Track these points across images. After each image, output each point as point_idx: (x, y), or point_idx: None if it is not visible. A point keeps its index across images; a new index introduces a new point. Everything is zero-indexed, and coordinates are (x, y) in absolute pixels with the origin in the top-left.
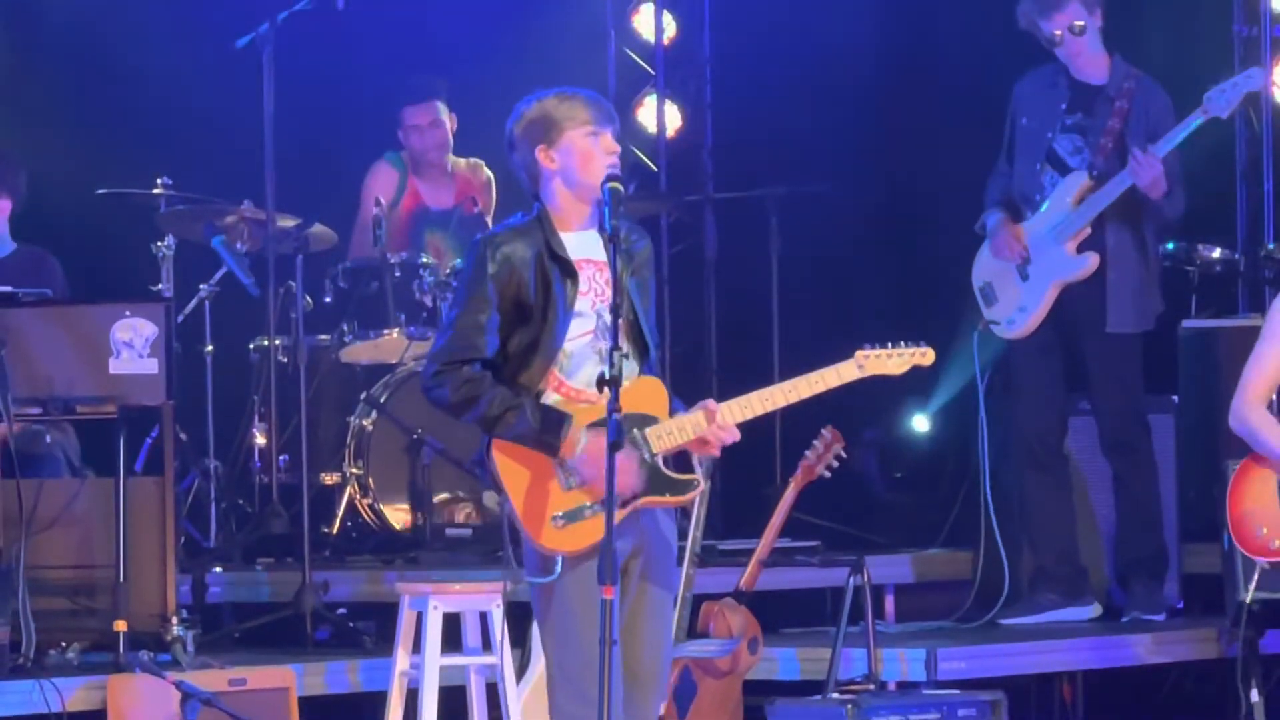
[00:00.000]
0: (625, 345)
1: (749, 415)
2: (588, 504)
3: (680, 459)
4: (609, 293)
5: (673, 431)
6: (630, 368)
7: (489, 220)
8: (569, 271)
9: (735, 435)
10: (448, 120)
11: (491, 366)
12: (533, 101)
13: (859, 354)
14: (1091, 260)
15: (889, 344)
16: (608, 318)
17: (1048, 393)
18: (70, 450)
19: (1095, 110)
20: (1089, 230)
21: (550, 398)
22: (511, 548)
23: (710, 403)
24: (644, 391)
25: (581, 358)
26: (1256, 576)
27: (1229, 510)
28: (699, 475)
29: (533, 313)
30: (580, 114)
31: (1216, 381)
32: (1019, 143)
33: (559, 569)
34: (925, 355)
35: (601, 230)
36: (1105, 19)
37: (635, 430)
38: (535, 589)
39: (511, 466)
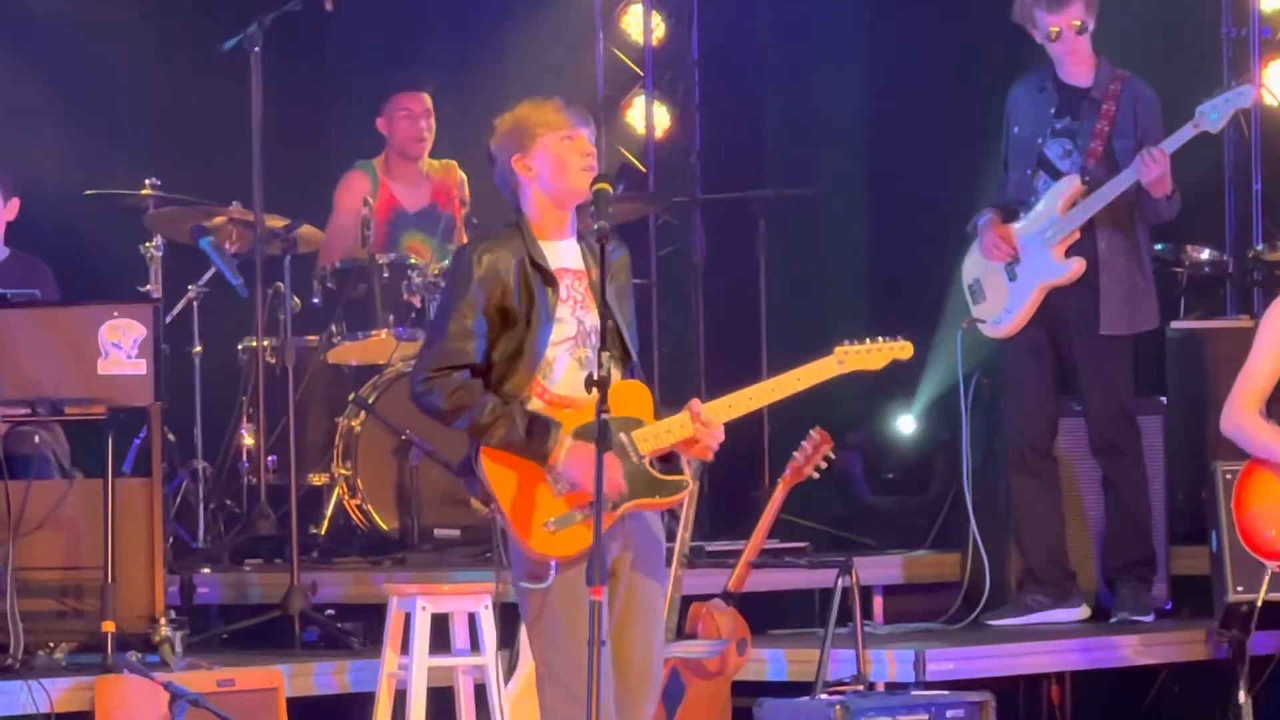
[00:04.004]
0: (614, 350)
1: (733, 415)
2: (579, 509)
3: (668, 461)
4: (588, 300)
5: (659, 434)
6: (614, 373)
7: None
8: (549, 280)
9: (721, 435)
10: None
11: (478, 372)
12: (516, 112)
13: (838, 350)
14: (1076, 265)
15: (867, 339)
16: (587, 324)
17: (1038, 395)
18: (59, 451)
19: (1082, 113)
20: (1078, 235)
21: (533, 404)
22: (501, 551)
23: (694, 403)
24: (629, 395)
25: (562, 365)
26: (1267, 579)
27: (1235, 513)
28: (687, 476)
29: (517, 319)
30: (552, 118)
31: (1205, 383)
32: (1012, 150)
33: (553, 575)
34: (903, 349)
35: (581, 239)
36: (1096, 21)
37: (621, 434)
38: (525, 593)
39: (501, 473)
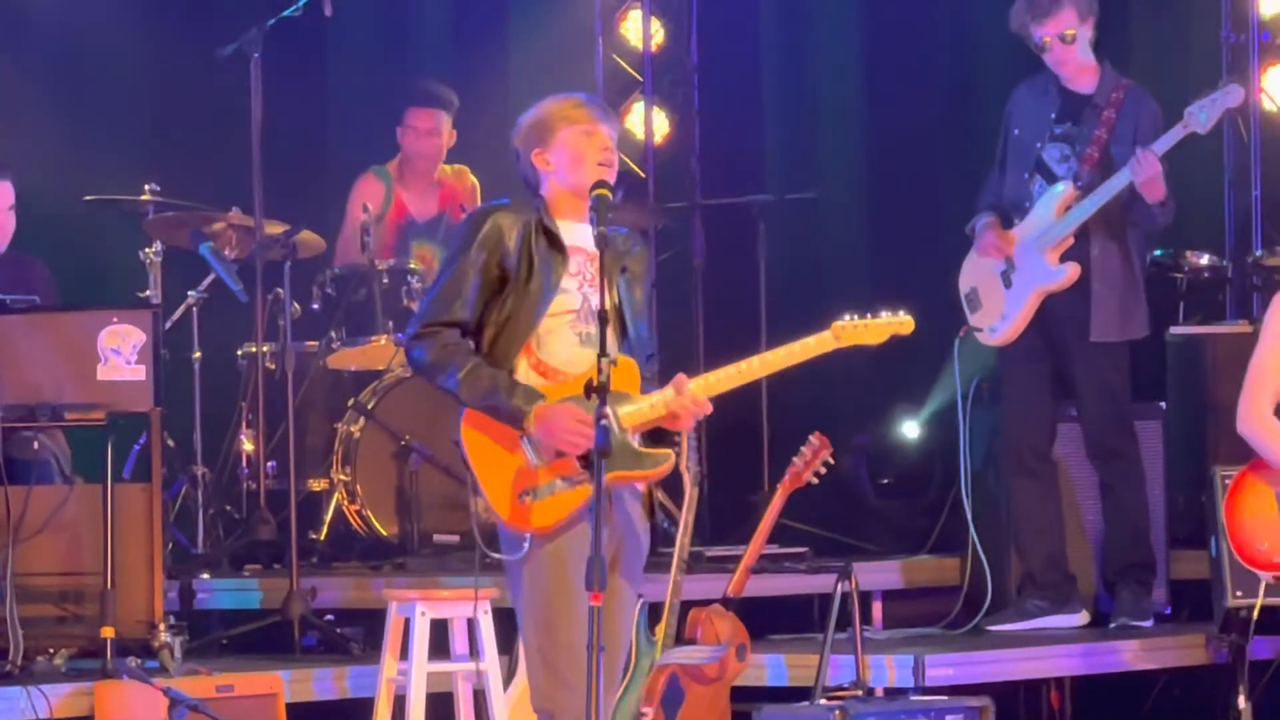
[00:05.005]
0: (612, 331)
1: (722, 389)
2: (555, 480)
3: (658, 438)
4: (598, 282)
5: (643, 407)
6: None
7: None
8: (558, 247)
9: (706, 408)
10: (446, 134)
11: (471, 332)
12: (530, 110)
13: (835, 325)
14: (1071, 271)
15: (868, 314)
16: (594, 303)
17: (1035, 399)
18: (60, 456)
19: (1083, 119)
20: (1072, 240)
21: (523, 370)
22: (487, 539)
23: (680, 376)
24: (617, 370)
25: (560, 335)
26: (1263, 589)
27: (1227, 522)
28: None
29: (514, 281)
30: (572, 113)
31: (1204, 388)
32: (1010, 152)
33: (527, 546)
34: (904, 324)
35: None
36: (1096, 28)
37: (607, 408)
38: (509, 566)
39: (480, 445)
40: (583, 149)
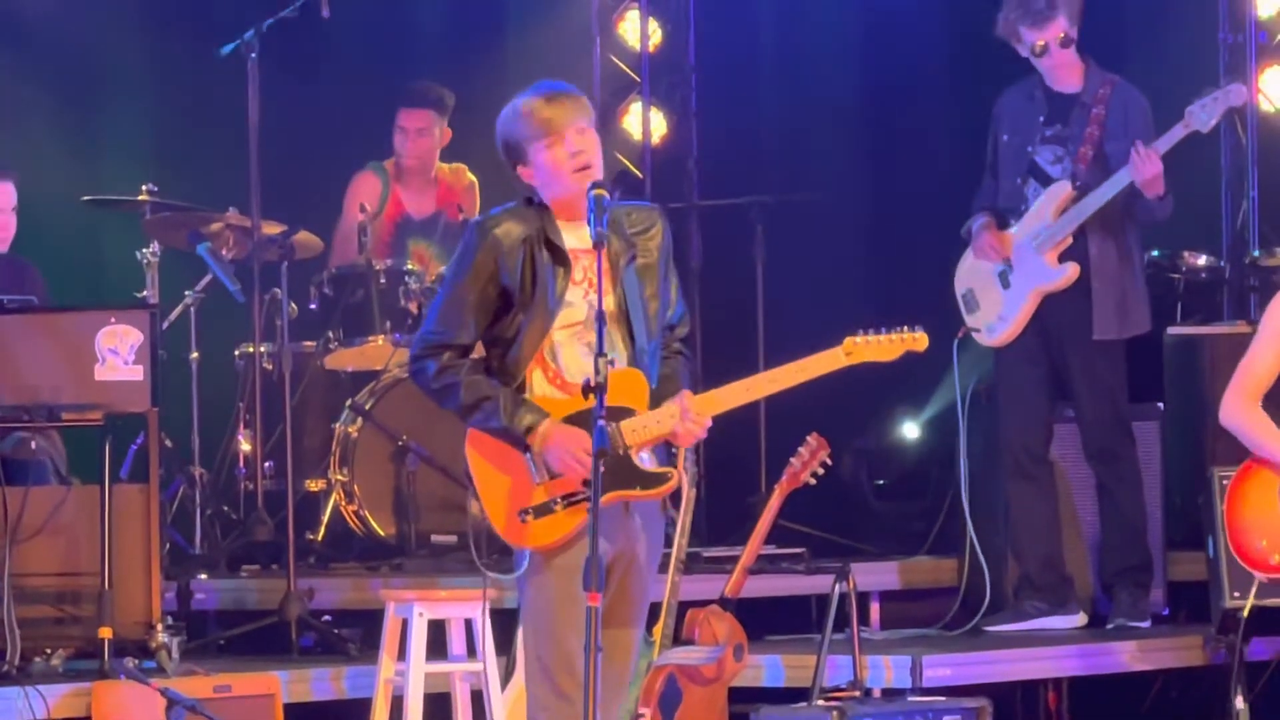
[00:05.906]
0: (617, 336)
1: (727, 407)
2: (556, 498)
3: (666, 451)
4: (605, 283)
5: (649, 425)
6: (618, 359)
7: None
8: (561, 259)
9: (705, 427)
10: (438, 133)
11: (469, 350)
12: (501, 125)
13: (848, 340)
14: (1070, 270)
15: (884, 329)
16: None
17: (1032, 400)
18: (57, 457)
19: (1072, 119)
20: (1070, 240)
21: (538, 382)
22: (484, 540)
23: (684, 394)
24: (624, 384)
25: (572, 347)
26: (1255, 589)
27: (1227, 519)
28: (682, 472)
29: (518, 298)
30: (530, 128)
31: (1202, 388)
32: (1001, 158)
33: (525, 564)
34: (918, 340)
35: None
36: (1080, 27)
37: (611, 424)
38: (518, 580)
39: (483, 463)
40: (553, 161)
